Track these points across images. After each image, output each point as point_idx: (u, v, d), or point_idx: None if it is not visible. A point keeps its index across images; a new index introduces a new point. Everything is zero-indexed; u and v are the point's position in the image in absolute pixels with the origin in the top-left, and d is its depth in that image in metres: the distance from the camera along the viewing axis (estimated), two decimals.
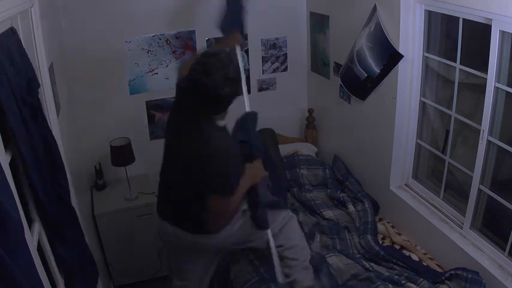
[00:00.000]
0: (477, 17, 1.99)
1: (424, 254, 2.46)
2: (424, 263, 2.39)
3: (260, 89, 3.64)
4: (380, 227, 2.71)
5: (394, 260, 2.39)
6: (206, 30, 3.33)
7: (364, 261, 2.41)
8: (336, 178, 3.22)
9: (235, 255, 2.43)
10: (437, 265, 2.36)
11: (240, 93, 1.88)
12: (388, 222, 2.77)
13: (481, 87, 2.06)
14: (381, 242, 2.59)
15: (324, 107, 3.55)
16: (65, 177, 1.77)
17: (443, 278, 2.17)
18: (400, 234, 2.66)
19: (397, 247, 2.57)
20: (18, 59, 1.54)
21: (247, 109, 2.25)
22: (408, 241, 2.60)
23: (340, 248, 2.53)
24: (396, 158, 2.69)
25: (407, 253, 2.49)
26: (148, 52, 3.23)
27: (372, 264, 2.39)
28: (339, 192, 3.08)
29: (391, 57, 2.48)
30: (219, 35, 3.34)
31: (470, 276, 2.05)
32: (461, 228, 2.31)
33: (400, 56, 2.43)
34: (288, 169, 3.27)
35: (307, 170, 3.28)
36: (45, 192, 1.54)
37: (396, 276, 2.24)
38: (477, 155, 2.14)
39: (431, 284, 2.16)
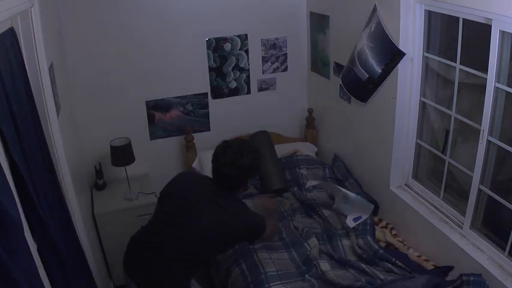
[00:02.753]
0: (477, 17, 1.99)
1: (418, 256, 2.45)
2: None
3: (260, 89, 3.64)
4: (376, 232, 2.69)
5: (393, 260, 2.39)
6: (207, 30, 3.34)
7: (360, 263, 2.41)
8: (336, 178, 3.22)
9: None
10: (434, 266, 2.36)
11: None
12: (388, 224, 2.77)
13: (481, 87, 2.06)
14: None
15: (323, 107, 3.55)
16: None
17: (451, 286, 2.11)
18: (394, 236, 2.66)
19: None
20: (14, 61, 1.54)
21: None
22: (402, 242, 2.60)
23: (333, 254, 2.52)
24: (396, 158, 2.69)
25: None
26: None
27: (368, 266, 2.39)
28: None
29: (394, 55, 2.47)
30: (219, 35, 3.37)
31: (472, 279, 2.04)
32: (461, 228, 2.30)
33: (402, 54, 2.43)
34: (288, 169, 3.27)
35: (307, 169, 3.28)
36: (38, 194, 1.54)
37: (391, 277, 2.23)
38: (477, 155, 2.13)
39: None
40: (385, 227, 2.75)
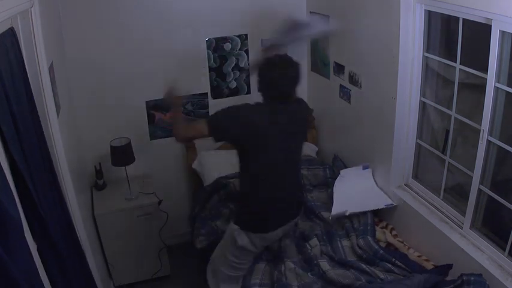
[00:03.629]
0: (477, 17, 1.99)
1: (419, 256, 2.45)
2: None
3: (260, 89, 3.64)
4: (376, 232, 2.69)
5: (393, 260, 2.39)
6: (207, 30, 3.34)
7: (360, 263, 2.41)
8: (336, 178, 3.20)
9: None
10: (434, 265, 2.36)
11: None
12: (388, 224, 2.77)
13: (481, 87, 2.06)
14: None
15: (323, 107, 3.55)
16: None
17: (452, 286, 2.11)
18: (395, 237, 2.66)
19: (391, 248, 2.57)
20: (14, 61, 1.54)
21: None
22: (402, 242, 2.59)
23: (333, 255, 2.52)
24: (396, 158, 2.69)
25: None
26: None
27: (368, 266, 2.39)
28: None
29: None
30: (219, 35, 3.37)
31: (472, 278, 2.03)
32: (461, 228, 2.31)
33: None
34: None
35: (307, 170, 3.27)
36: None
37: (392, 277, 2.24)
38: (477, 155, 2.13)
39: None
40: (385, 227, 2.75)
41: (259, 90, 2.25)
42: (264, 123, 2.16)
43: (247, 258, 2.37)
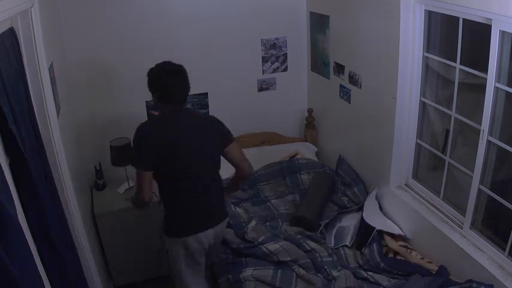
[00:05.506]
0: (477, 17, 1.99)
1: (421, 258, 2.44)
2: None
3: (260, 89, 3.64)
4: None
5: (395, 272, 2.38)
6: (206, 30, 3.34)
7: (361, 271, 2.41)
8: (342, 182, 3.16)
9: None
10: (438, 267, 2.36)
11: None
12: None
13: (481, 87, 2.06)
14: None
15: (323, 107, 3.55)
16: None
17: (458, 286, 2.10)
18: (396, 241, 2.64)
19: (391, 254, 2.56)
20: (14, 61, 1.54)
21: None
22: (405, 247, 2.55)
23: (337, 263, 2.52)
24: (396, 158, 2.69)
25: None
26: None
27: (369, 273, 2.39)
28: (342, 197, 3.06)
29: None
30: (219, 35, 3.36)
31: None
32: (461, 228, 2.30)
33: None
34: (288, 174, 3.24)
35: (307, 174, 3.24)
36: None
37: (394, 281, 2.24)
38: (477, 155, 2.13)
39: None
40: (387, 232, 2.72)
41: (155, 101, 2.37)
42: (167, 140, 2.20)
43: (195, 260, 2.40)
